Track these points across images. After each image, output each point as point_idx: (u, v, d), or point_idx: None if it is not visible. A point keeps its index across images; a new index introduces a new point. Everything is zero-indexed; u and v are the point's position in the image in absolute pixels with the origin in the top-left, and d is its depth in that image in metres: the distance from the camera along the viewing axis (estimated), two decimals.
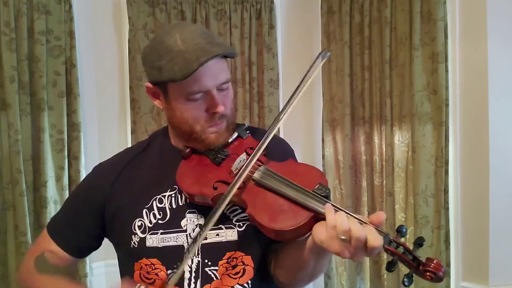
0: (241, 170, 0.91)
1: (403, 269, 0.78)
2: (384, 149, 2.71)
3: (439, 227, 2.52)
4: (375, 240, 0.75)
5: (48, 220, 2.45)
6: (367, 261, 2.79)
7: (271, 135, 0.95)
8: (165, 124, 2.78)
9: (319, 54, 1.00)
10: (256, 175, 0.93)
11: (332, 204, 0.83)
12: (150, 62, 0.95)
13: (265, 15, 2.77)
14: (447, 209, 2.54)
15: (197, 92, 0.93)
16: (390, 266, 0.78)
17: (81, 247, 1.07)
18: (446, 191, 2.53)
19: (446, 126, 2.51)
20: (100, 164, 1.11)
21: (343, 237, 0.76)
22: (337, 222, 0.77)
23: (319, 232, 0.80)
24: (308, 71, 0.98)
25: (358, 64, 2.74)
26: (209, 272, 0.96)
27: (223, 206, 0.88)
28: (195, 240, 0.88)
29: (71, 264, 1.07)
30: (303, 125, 2.92)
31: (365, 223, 0.79)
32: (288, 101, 0.97)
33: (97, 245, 1.08)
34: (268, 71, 2.79)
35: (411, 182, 2.62)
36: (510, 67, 2.42)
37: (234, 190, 0.89)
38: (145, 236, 0.97)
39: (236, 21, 2.76)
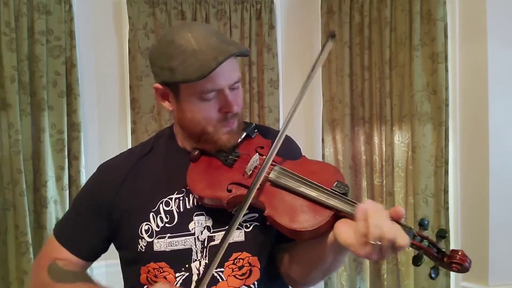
0: (258, 173, 0.88)
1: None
2: (384, 149, 2.71)
3: (439, 227, 2.52)
4: (403, 239, 0.74)
5: (49, 220, 2.48)
6: (367, 261, 2.79)
7: (286, 131, 0.93)
8: (166, 124, 2.75)
9: (328, 37, 0.94)
10: (272, 175, 0.91)
11: (351, 201, 0.82)
12: (160, 63, 0.92)
13: (265, 15, 2.77)
14: (447, 209, 2.54)
15: (210, 91, 0.91)
16: (417, 260, 0.77)
17: (92, 251, 1.05)
18: (446, 191, 2.53)
19: (446, 126, 2.51)
20: (104, 164, 1.08)
21: (374, 242, 0.74)
22: (370, 227, 0.75)
23: (346, 234, 0.79)
24: (319, 56, 0.93)
25: (358, 64, 2.74)
26: (215, 274, 0.94)
27: (244, 210, 0.86)
28: (218, 251, 0.85)
29: (84, 268, 1.05)
30: (303, 125, 2.93)
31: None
32: (301, 91, 0.94)
33: (106, 247, 1.06)
34: (268, 71, 2.80)
35: (411, 182, 2.62)
36: (510, 67, 2.42)
37: (253, 192, 0.87)
38: (153, 240, 0.95)
39: (236, 21, 2.76)
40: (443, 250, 0.78)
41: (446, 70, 2.50)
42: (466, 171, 2.54)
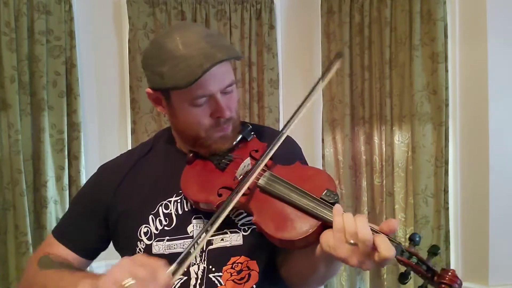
0: (245, 179, 0.87)
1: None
2: (384, 149, 2.71)
3: (439, 227, 2.52)
4: (387, 250, 0.71)
5: (49, 220, 2.48)
6: None
7: (278, 144, 0.91)
8: (166, 124, 2.74)
9: (336, 56, 0.93)
10: (261, 181, 0.90)
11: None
12: (151, 67, 0.92)
13: (265, 15, 2.77)
14: (447, 209, 2.54)
15: (201, 96, 0.90)
16: (403, 278, 0.74)
17: (89, 248, 1.05)
18: (446, 191, 2.53)
19: (446, 126, 2.51)
20: (104, 165, 1.08)
21: (351, 241, 0.73)
22: (344, 223, 0.74)
23: (327, 238, 0.77)
24: (323, 75, 0.92)
25: (358, 64, 2.74)
26: (213, 279, 0.94)
27: (225, 213, 0.84)
28: (195, 241, 0.84)
29: (82, 266, 1.04)
30: (303, 125, 2.93)
31: (376, 232, 0.75)
32: (299, 107, 0.92)
33: (104, 246, 1.06)
34: (268, 71, 2.79)
35: (411, 182, 2.62)
36: (510, 67, 2.42)
37: (236, 199, 0.85)
38: (151, 243, 0.95)
39: (236, 21, 2.76)
40: (433, 268, 0.74)
41: (446, 70, 2.50)
42: (466, 171, 2.54)
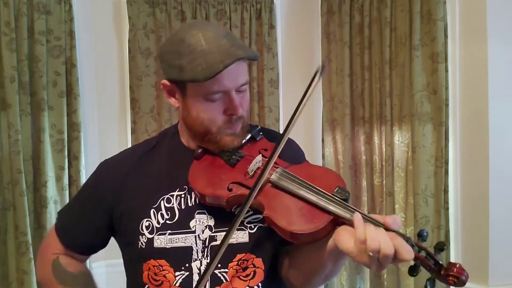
0: (261, 173, 0.88)
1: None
2: (384, 149, 2.71)
3: (439, 227, 2.52)
4: (407, 253, 0.74)
5: (49, 220, 2.48)
6: None
7: (287, 137, 0.93)
8: (166, 124, 2.74)
9: (317, 71, 0.95)
10: (274, 177, 0.91)
11: (359, 212, 0.81)
12: (168, 60, 0.94)
13: (265, 15, 2.77)
14: (447, 209, 2.54)
15: (216, 92, 0.92)
16: (413, 271, 0.77)
17: (88, 245, 1.07)
18: (446, 191, 2.53)
19: (446, 126, 2.51)
20: (106, 161, 1.09)
21: (371, 254, 0.74)
22: (367, 238, 0.74)
23: (346, 240, 0.78)
24: (308, 88, 0.94)
25: (358, 64, 2.74)
26: (219, 274, 0.95)
27: (245, 210, 0.86)
28: (216, 254, 0.85)
29: (82, 260, 1.09)
30: (303, 125, 2.93)
31: (387, 230, 0.77)
32: (298, 106, 0.93)
33: (103, 244, 1.08)
34: (268, 71, 2.80)
35: (411, 182, 2.62)
36: (510, 67, 2.42)
37: (256, 191, 0.87)
38: (153, 237, 0.96)
39: (236, 21, 2.76)
40: (441, 262, 0.77)
41: (446, 70, 2.50)
42: (466, 171, 2.54)
